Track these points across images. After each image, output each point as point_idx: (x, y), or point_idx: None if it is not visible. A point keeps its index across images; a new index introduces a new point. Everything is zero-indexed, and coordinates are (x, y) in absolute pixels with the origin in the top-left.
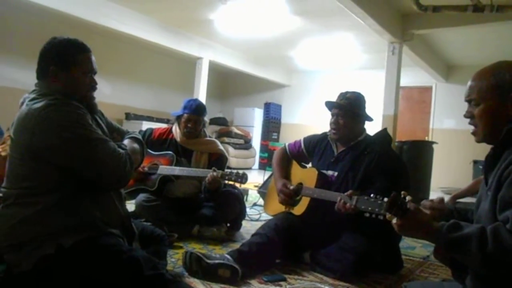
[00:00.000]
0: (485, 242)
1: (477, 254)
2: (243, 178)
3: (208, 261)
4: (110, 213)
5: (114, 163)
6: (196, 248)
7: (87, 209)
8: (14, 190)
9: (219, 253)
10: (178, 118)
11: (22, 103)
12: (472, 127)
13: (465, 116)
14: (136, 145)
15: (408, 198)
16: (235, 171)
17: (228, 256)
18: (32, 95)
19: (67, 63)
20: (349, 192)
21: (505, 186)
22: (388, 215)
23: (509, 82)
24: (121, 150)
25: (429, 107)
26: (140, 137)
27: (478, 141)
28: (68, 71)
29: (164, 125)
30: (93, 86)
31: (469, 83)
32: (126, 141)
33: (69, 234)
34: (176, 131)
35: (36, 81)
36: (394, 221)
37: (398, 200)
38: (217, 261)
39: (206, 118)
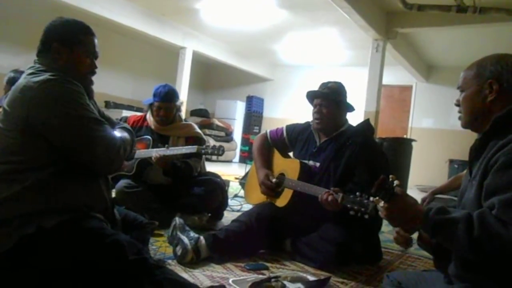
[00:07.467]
0: (472, 227)
1: (464, 238)
2: (219, 150)
3: (178, 233)
4: (96, 198)
5: (109, 145)
6: None
7: (74, 191)
8: (1, 165)
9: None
10: (150, 105)
11: (11, 79)
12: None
13: (455, 104)
14: (126, 135)
15: (396, 182)
16: (211, 144)
17: (202, 238)
18: (30, 70)
19: (70, 41)
20: (336, 189)
21: (492, 173)
22: (375, 199)
23: (489, 71)
24: (115, 135)
25: (409, 106)
26: (130, 128)
27: (462, 126)
28: (71, 49)
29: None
30: (93, 69)
31: (461, 73)
32: (116, 131)
33: (51, 215)
34: (150, 119)
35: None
36: (381, 204)
37: (386, 184)
38: (181, 237)
39: (179, 103)
